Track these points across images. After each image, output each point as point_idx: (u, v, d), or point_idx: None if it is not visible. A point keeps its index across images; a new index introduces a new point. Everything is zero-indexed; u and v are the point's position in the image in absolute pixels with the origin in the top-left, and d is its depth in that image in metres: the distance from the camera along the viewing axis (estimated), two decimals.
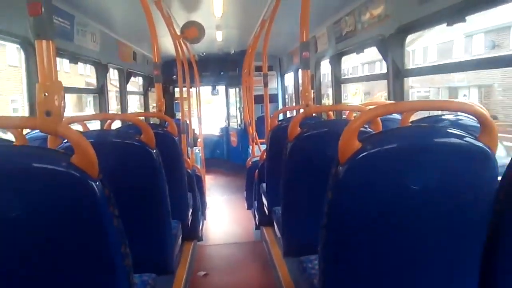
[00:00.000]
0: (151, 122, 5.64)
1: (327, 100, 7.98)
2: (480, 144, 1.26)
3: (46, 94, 1.16)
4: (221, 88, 10.09)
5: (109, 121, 2.93)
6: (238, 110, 9.68)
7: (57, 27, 3.41)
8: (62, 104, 1.18)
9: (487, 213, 1.17)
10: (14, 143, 2.12)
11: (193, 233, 3.67)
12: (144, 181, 2.08)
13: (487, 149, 1.26)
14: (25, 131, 2.48)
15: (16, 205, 1.10)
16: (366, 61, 23.07)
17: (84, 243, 1.20)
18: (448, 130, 1.31)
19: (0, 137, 2.36)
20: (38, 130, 2.43)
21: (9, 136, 2.47)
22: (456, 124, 2.09)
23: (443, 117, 2.19)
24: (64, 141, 1.81)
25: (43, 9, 1.15)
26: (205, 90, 10.14)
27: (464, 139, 1.27)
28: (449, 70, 3.27)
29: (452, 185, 1.27)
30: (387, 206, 1.28)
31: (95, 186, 1.15)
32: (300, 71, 3.01)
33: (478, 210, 1.25)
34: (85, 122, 2.65)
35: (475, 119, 1.34)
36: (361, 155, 1.25)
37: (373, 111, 1.39)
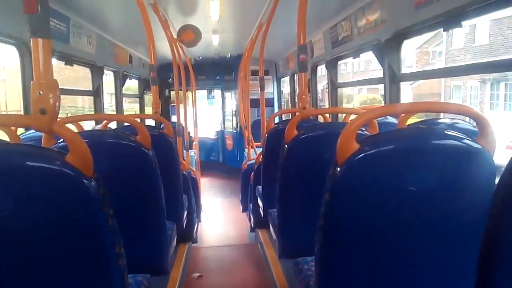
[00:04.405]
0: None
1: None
2: (478, 146, 1.26)
3: (41, 92, 1.15)
4: (217, 92, 10.10)
5: (105, 121, 2.92)
6: (233, 114, 9.68)
7: (53, 28, 3.39)
8: (57, 103, 1.18)
9: (484, 215, 1.17)
10: (7, 142, 2.10)
11: (188, 235, 3.66)
12: (140, 181, 2.07)
13: (485, 151, 1.26)
14: (19, 132, 2.46)
15: (10, 204, 1.09)
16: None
17: (78, 242, 1.18)
18: (446, 132, 1.31)
19: None
20: (33, 130, 2.41)
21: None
22: (453, 127, 2.10)
23: (439, 120, 2.20)
24: (59, 141, 1.80)
25: (39, 7, 1.14)
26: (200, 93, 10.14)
27: (462, 141, 1.27)
28: (445, 74, 3.29)
29: (450, 186, 1.27)
30: (384, 207, 1.28)
31: (89, 185, 1.14)
32: (296, 75, 3.03)
33: (476, 212, 1.25)
34: (80, 122, 2.63)
35: (472, 123, 1.34)
36: (359, 156, 1.25)
37: (372, 113, 1.39)
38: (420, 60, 20.13)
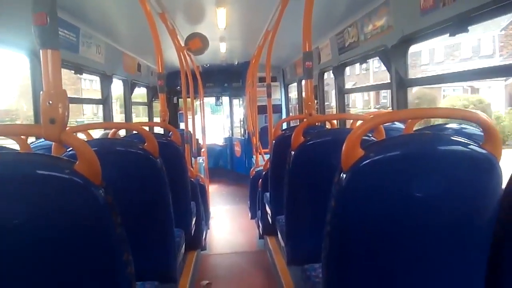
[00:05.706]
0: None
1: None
2: (484, 152, 1.25)
3: (51, 102, 1.17)
4: (225, 99, 10.15)
5: (113, 130, 2.95)
6: (241, 121, 9.71)
7: (63, 39, 3.45)
8: (66, 113, 1.20)
9: (492, 221, 1.16)
10: (18, 151, 2.13)
11: (196, 242, 3.66)
12: (148, 189, 2.09)
13: (491, 157, 1.25)
14: (29, 141, 2.50)
15: (20, 212, 1.11)
16: None
17: (86, 250, 1.20)
18: (452, 138, 1.31)
19: (3, 146, 2.37)
20: (43, 140, 2.45)
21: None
22: (460, 132, 2.09)
23: (446, 125, 2.19)
24: (68, 150, 1.83)
25: (48, 19, 1.16)
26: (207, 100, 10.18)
27: (468, 146, 1.26)
28: (453, 79, 3.27)
29: (456, 192, 1.27)
30: (390, 213, 1.27)
31: (97, 193, 1.16)
32: (303, 81, 3.05)
33: (483, 218, 1.25)
34: (89, 131, 2.66)
35: (479, 128, 1.33)
36: (364, 162, 1.25)
37: (376, 119, 1.39)
38: (506, 46, 14.90)
